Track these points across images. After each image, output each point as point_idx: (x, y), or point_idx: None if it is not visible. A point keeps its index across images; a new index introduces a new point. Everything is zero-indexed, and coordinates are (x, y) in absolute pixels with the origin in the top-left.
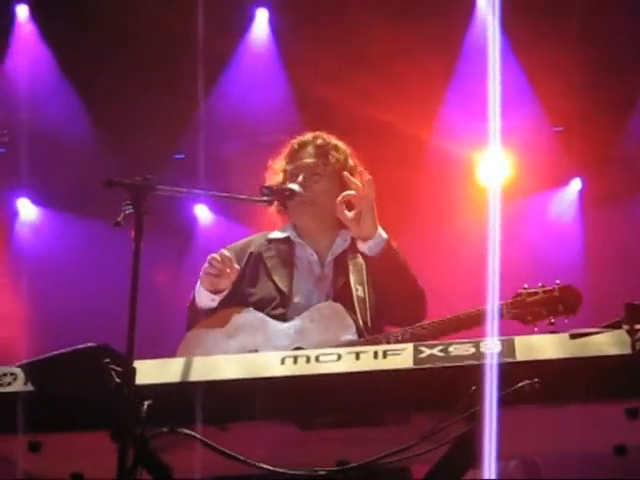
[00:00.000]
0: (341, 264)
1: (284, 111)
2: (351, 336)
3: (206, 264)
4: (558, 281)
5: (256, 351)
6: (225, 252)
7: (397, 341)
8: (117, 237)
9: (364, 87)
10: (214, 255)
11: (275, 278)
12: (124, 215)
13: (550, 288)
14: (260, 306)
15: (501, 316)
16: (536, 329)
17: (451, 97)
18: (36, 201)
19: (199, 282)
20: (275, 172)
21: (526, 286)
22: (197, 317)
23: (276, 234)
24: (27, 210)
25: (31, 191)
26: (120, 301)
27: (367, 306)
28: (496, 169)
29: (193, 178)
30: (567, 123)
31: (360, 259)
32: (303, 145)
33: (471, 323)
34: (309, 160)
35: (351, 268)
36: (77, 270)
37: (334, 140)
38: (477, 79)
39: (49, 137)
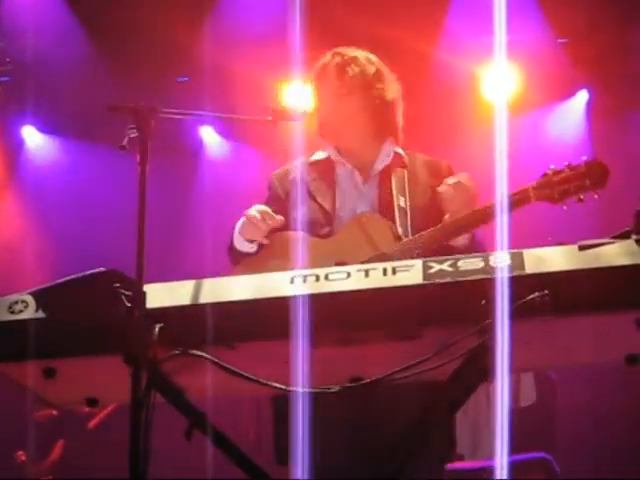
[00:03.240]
0: (385, 177)
1: (288, 28)
2: (387, 244)
3: (246, 217)
4: (585, 157)
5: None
6: (262, 207)
7: (422, 244)
8: (123, 161)
9: (369, 1)
10: (253, 212)
11: (318, 199)
12: (128, 139)
13: (576, 164)
14: (307, 229)
15: (528, 199)
16: (565, 208)
17: (455, 11)
18: (41, 128)
19: (237, 228)
20: (310, 96)
21: (552, 166)
22: (239, 259)
23: (317, 155)
24: (33, 137)
25: (36, 118)
26: (128, 225)
27: (408, 215)
28: (501, 83)
29: (198, 100)
30: (572, 35)
31: (404, 171)
32: (323, 68)
33: (486, 217)
34: (331, 83)
35: (394, 180)
36: (84, 196)
37: (352, 52)
38: None
39: (52, 64)
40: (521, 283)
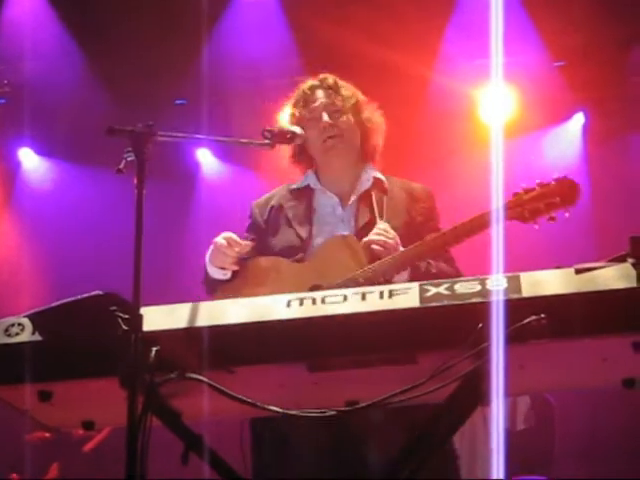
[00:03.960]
0: (365, 201)
1: (285, 52)
2: (362, 265)
3: (214, 244)
4: (555, 175)
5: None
6: (230, 235)
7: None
8: (120, 185)
9: (365, 26)
10: (220, 240)
11: (295, 226)
12: (126, 162)
13: (546, 182)
14: (282, 255)
15: (500, 219)
16: (537, 227)
17: (452, 34)
18: (38, 150)
19: (208, 257)
20: (288, 119)
21: (523, 185)
22: (214, 287)
23: (297, 184)
24: (29, 159)
25: (33, 141)
26: (125, 248)
27: None
28: (498, 105)
29: (195, 123)
30: (569, 58)
31: (383, 195)
32: (313, 88)
33: (474, 229)
34: (325, 99)
35: (375, 203)
36: (81, 218)
37: (339, 79)
38: (478, 15)
39: (49, 86)
40: (518, 306)
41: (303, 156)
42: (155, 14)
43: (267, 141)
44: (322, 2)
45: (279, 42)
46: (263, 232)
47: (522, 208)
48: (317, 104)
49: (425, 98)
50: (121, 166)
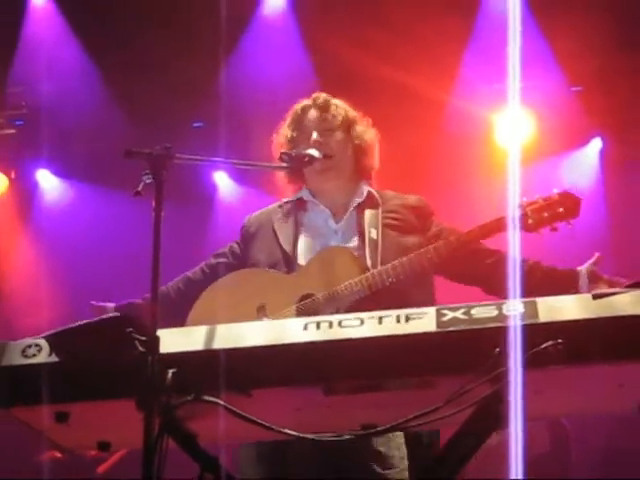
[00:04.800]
0: (358, 215)
1: (303, 75)
2: (353, 276)
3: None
4: (556, 190)
5: (263, 306)
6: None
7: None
8: (136, 206)
9: (383, 49)
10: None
11: (280, 240)
12: (144, 184)
13: (548, 195)
14: (267, 267)
15: (502, 227)
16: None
17: (470, 58)
18: (56, 172)
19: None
20: (281, 140)
21: (524, 198)
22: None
23: (289, 198)
24: (47, 181)
25: (51, 162)
26: (141, 270)
27: (378, 248)
28: (515, 130)
29: (212, 146)
30: (586, 83)
31: (377, 209)
32: (305, 108)
33: (484, 234)
34: (317, 118)
35: (367, 215)
36: (97, 240)
37: (331, 97)
38: (496, 39)
39: (67, 108)
40: (535, 332)
41: (298, 175)
42: (173, 36)
43: (285, 164)
44: (341, 25)
45: (297, 65)
46: (250, 245)
47: (526, 218)
48: (308, 123)
49: (442, 121)
50: (139, 188)
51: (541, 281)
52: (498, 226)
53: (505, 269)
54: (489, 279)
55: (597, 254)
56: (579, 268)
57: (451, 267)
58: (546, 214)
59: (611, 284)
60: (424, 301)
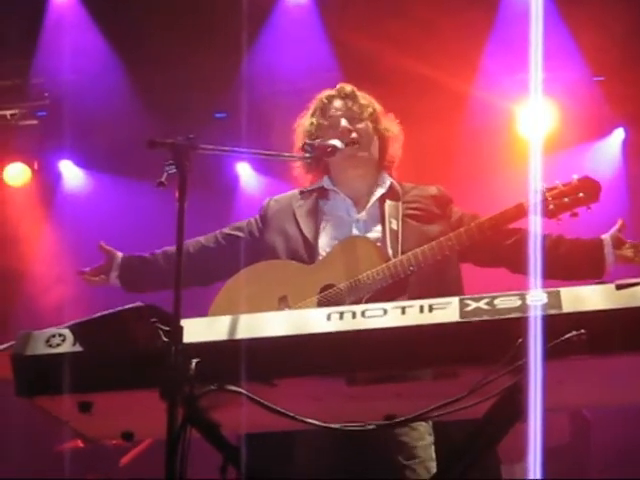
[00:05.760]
0: (379, 206)
1: (325, 67)
2: (374, 266)
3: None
4: (576, 175)
5: (285, 297)
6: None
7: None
8: (159, 196)
9: (404, 42)
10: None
11: (302, 225)
12: (167, 175)
13: (568, 181)
14: (285, 253)
15: (524, 212)
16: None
17: (492, 49)
18: (79, 163)
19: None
20: (305, 129)
21: (544, 184)
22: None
23: (310, 187)
24: (70, 172)
25: (73, 153)
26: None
27: (399, 238)
28: (537, 121)
29: (235, 137)
30: (608, 73)
31: (398, 201)
32: (331, 98)
33: (504, 220)
34: (344, 107)
35: (387, 207)
36: (120, 230)
37: (356, 89)
38: (518, 30)
39: (89, 99)
40: (558, 322)
41: (319, 164)
42: (196, 27)
43: (308, 155)
44: (362, 17)
45: (319, 57)
46: (269, 226)
47: (546, 203)
48: (335, 112)
49: (465, 113)
50: (162, 179)
51: (566, 255)
52: (518, 212)
53: (526, 248)
54: (512, 259)
55: (620, 220)
56: (603, 236)
57: (474, 253)
58: (566, 199)
59: (636, 247)
60: (449, 289)
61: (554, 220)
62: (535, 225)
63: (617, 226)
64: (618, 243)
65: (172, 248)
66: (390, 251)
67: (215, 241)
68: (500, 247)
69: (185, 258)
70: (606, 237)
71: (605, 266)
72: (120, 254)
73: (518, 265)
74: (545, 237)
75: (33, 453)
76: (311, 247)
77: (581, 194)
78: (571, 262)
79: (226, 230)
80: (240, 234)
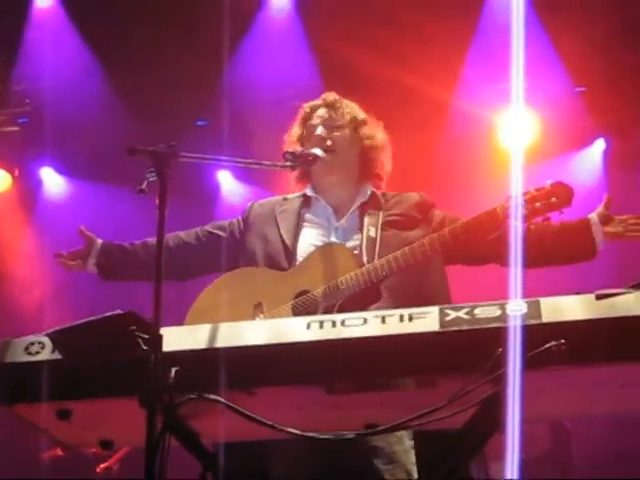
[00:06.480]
0: (360, 214)
1: (307, 74)
2: (349, 272)
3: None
4: (549, 181)
5: (260, 304)
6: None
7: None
8: (140, 204)
9: (387, 49)
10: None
11: (282, 230)
12: (147, 182)
13: (541, 186)
14: (268, 260)
15: (496, 218)
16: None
17: (473, 58)
18: (60, 170)
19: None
20: (293, 140)
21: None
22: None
23: (294, 194)
24: (51, 179)
25: (54, 160)
26: None
27: (376, 246)
28: (518, 131)
29: (216, 144)
30: (590, 82)
31: (379, 210)
32: (315, 107)
33: (477, 225)
34: (325, 116)
35: (368, 216)
36: (102, 237)
37: (342, 98)
38: (499, 40)
39: (71, 105)
40: (538, 332)
41: (306, 175)
42: (178, 34)
43: (289, 163)
44: (345, 24)
45: (301, 64)
46: (250, 229)
47: (522, 208)
48: (315, 121)
49: (446, 122)
50: (143, 186)
51: (553, 242)
52: (491, 217)
53: (509, 240)
54: (499, 254)
55: (606, 195)
56: (590, 215)
57: (459, 254)
58: (539, 204)
59: (625, 222)
60: (429, 294)
61: (527, 224)
62: (516, 230)
63: (603, 202)
64: (606, 220)
65: (152, 240)
66: (365, 258)
67: (196, 237)
68: (484, 244)
69: (165, 251)
70: (593, 216)
71: (595, 245)
72: (100, 241)
73: (506, 258)
74: (529, 229)
75: (12, 462)
76: (289, 252)
77: (554, 199)
78: (560, 248)
79: (208, 228)
80: (222, 233)
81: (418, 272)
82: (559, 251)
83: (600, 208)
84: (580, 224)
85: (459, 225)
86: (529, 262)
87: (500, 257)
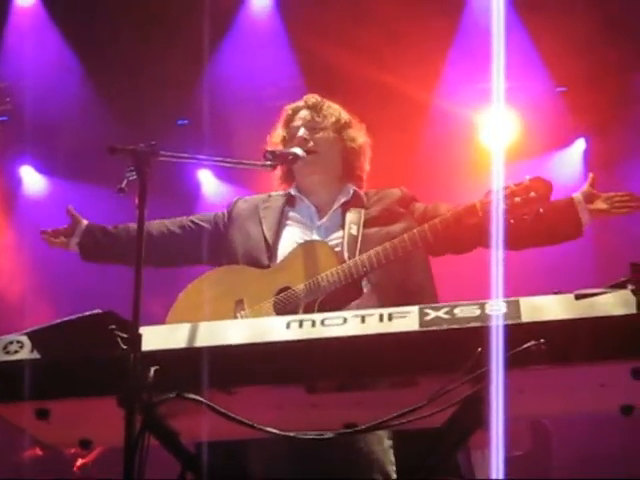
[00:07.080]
0: (342, 213)
1: (287, 74)
2: (331, 268)
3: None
4: (528, 176)
5: (241, 300)
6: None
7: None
8: (120, 203)
9: (367, 48)
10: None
11: (264, 227)
12: (127, 181)
13: (520, 181)
14: (248, 256)
15: (475, 213)
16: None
17: (454, 58)
18: (39, 168)
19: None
20: (276, 142)
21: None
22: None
23: (279, 192)
24: (30, 177)
25: (34, 159)
26: (124, 267)
27: (358, 243)
28: (499, 130)
29: (197, 144)
30: (571, 83)
31: (361, 208)
32: (297, 109)
33: (455, 220)
34: (307, 117)
35: (350, 213)
36: None
37: (325, 100)
38: (480, 40)
39: (51, 104)
40: (517, 331)
41: (290, 175)
42: (158, 34)
43: (269, 163)
44: (325, 24)
45: (282, 63)
46: (233, 224)
47: (501, 202)
48: (297, 123)
49: (427, 121)
50: (123, 185)
51: (539, 230)
52: (470, 212)
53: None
54: (482, 237)
55: (591, 174)
56: (574, 194)
57: (445, 246)
58: (518, 199)
59: (610, 199)
60: (412, 290)
61: (507, 220)
62: (497, 226)
63: (588, 181)
64: (591, 198)
65: (134, 225)
66: (347, 255)
67: (180, 226)
68: (466, 230)
69: (146, 237)
70: (577, 195)
71: (581, 224)
72: (85, 222)
73: (489, 240)
74: (509, 223)
75: None
76: (270, 249)
77: (533, 194)
78: (546, 228)
79: (193, 218)
80: (206, 225)
81: (401, 267)
82: (544, 231)
83: (585, 187)
84: (565, 203)
85: (439, 221)
86: (514, 243)
87: (483, 240)
